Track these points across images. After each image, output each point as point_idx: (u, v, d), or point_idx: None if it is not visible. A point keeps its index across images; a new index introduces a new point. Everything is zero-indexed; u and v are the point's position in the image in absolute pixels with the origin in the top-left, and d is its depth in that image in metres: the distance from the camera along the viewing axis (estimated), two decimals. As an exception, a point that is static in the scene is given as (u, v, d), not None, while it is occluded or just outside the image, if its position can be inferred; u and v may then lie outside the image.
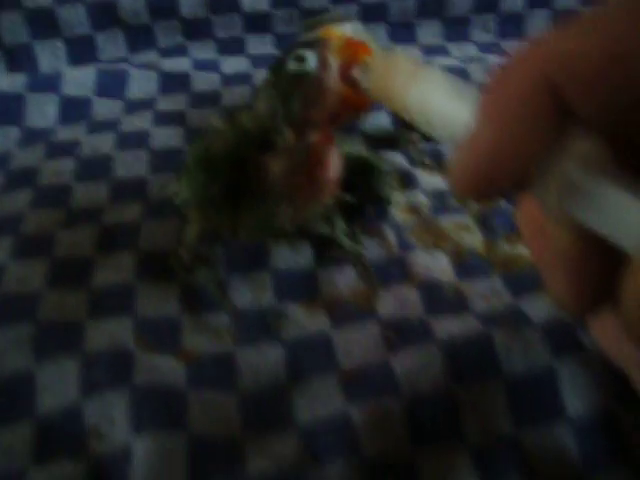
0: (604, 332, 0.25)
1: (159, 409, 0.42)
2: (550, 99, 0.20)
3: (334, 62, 0.40)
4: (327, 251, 0.52)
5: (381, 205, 0.55)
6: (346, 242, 0.51)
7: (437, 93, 0.26)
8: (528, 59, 0.21)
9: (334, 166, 0.46)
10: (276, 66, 0.43)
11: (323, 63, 0.40)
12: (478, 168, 0.21)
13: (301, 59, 0.40)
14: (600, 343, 0.25)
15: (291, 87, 0.41)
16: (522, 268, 0.51)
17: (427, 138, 0.63)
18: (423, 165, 0.61)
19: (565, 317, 0.46)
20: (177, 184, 0.50)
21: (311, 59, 0.40)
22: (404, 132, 0.64)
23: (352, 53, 0.40)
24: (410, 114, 0.27)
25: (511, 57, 0.21)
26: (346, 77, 0.40)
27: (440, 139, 0.26)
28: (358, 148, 0.51)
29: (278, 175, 0.44)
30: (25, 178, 0.63)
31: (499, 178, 0.21)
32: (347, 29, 0.48)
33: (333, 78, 0.40)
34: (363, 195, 0.52)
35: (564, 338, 0.44)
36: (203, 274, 0.50)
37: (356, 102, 0.41)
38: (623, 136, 0.21)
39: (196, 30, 0.81)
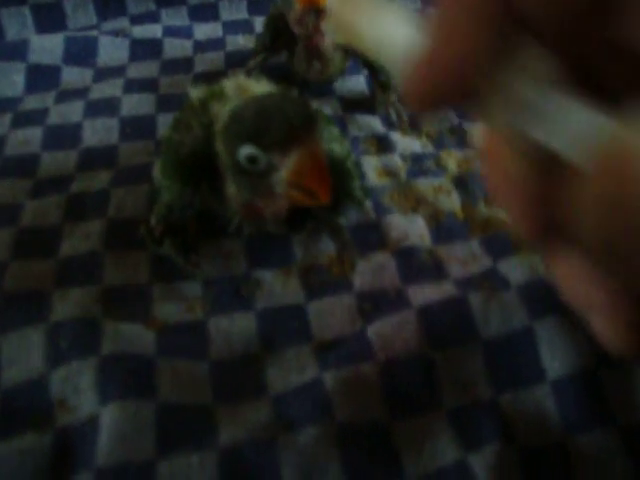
0: (563, 272, 0.24)
1: (127, 378, 0.41)
2: (498, 2, 0.19)
3: None
4: (302, 220, 0.51)
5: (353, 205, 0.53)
6: (323, 213, 0.50)
7: (388, 19, 0.24)
8: None
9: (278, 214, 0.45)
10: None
11: None
12: (426, 74, 0.20)
13: (253, 160, 0.37)
14: (560, 285, 0.24)
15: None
16: (500, 230, 0.50)
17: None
18: (400, 127, 0.60)
19: (544, 279, 0.45)
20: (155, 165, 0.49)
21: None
22: (380, 94, 0.62)
23: (305, 179, 0.37)
24: (363, 43, 0.26)
25: None
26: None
27: (391, 65, 0.25)
28: (337, 146, 0.49)
29: (230, 194, 0.43)
30: (-9, 148, 0.61)
31: (446, 84, 0.20)
32: None
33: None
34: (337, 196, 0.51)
35: (542, 300, 0.43)
36: (170, 243, 0.49)
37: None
38: (572, 48, 0.21)
39: (168, -4, 0.79)
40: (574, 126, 0.18)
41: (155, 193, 0.48)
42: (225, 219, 0.47)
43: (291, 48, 0.61)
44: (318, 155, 0.37)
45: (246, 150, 0.37)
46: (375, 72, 0.63)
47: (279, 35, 0.62)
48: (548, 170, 0.20)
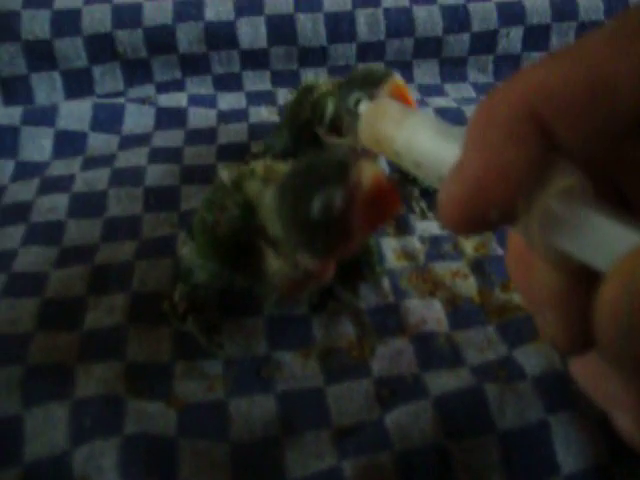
0: (585, 371, 0.24)
1: (149, 459, 0.41)
2: (534, 128, 0.20)
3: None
4: (323, 301, 0.52)
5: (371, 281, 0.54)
6: (344, 295, 0.51)
7: (424, 135, 0.25)
8: (513, 90, 0.21)
9: (326, 278, 0.45)
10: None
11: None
12: (465, 197, 0.21)
13: (329, 207, 0.37)
14: (581, 383, 0.25)
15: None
16: (517, 317, 0.51)
17: (425, 192, 0.63)
18: (420, 212, 0.61)
19: (559, 370, 0.45)
20: (183, 246, 0.50)
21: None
22: (404, 186, 0.63)
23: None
24: (399, 159, 0.27)
25: (497, 88, 0.21)
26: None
27: (430, 182, 0.26)
28: None
29: (274, 271, 0.44)
30: (18, 213, 0.62)
31: (485, 207, 0.21)
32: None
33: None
34: (356, 268, 0.52)
35: (558, 392, 0.44)
36: (194, 321, 0.50)
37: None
38: (607, 167, 0.22)
39: (194, 65, 0.81)
40: (602, 238, 0.19)
41: (185, 272, 0.49)
42: (252, 297, 0.48)
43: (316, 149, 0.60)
44: (380, 175, 0.38)
45: (318, 201, 0.37)
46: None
47: (303, 140, 0.61)
48: (587, 285, 0.20)
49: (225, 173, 0.47)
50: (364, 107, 0.37)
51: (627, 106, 0.19)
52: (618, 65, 0.19)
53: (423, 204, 0.62)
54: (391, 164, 0.66)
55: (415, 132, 0.26)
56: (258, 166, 0.47)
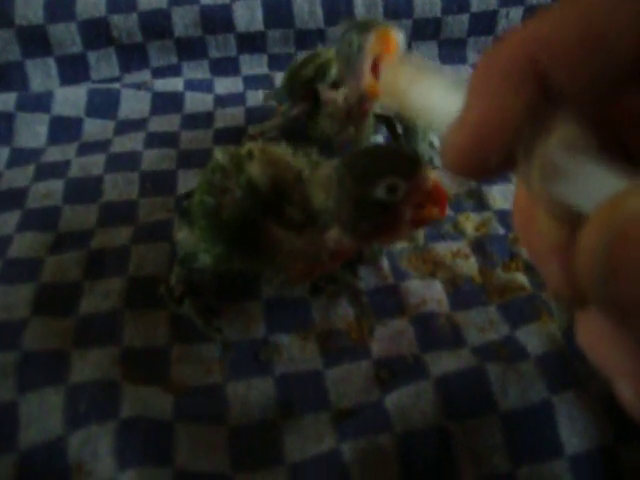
0: (590, 337, 0.24)
1: (145, 444, 0.41)
2: (531, 74, 0.20)
3: None
4: (322, 283, 0.51)
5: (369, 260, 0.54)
6: (344, 276, 0.50)
7: (436, 87, 0.25)
8: (512, 39, 0.21)
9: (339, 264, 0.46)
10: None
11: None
12: (465, 143, 0.21)
13: (393, 190, 0.40)
14: (587, 350, 0.24)
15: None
16: (518, 296, 0.50)
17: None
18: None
19: (562, 349, 0.45)
20: (180, 231, 0.49)
21: None
22: None
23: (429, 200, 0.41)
24: (412, 109, 0.27)
25: (499, 41, 0.21)
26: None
27: (438, 130, 0.26)
28: None
29: (286, 252, 0.44)
30: (14, 199, 0.62)
31: (485, 153, 0.21)
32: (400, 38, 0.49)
33: None
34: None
35: (561, 372, 0.43)
36: (190, 305, 0.49)
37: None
38: (609, 119, 0.22)
39: (190, 50, 0.80)
40: (600, 188, 0.19)
41: (186, 257, 0.48)
42: (250, 279, 0.48)
43: (313, 111, 0.61)
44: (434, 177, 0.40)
45: (388, 181, 0.39)
46: (396, 136, 0.63)
47: (301, 98, 0.62)
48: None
49: (221, 155, 0.46)
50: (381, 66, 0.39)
51: (624, 53, 0.19)
52: (615, 12, 0.19)
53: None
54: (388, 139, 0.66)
55: (428, 84, 0.26)
56: (254, 148, 0.46)
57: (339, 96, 0.55)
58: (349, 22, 0.53)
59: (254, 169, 0.44)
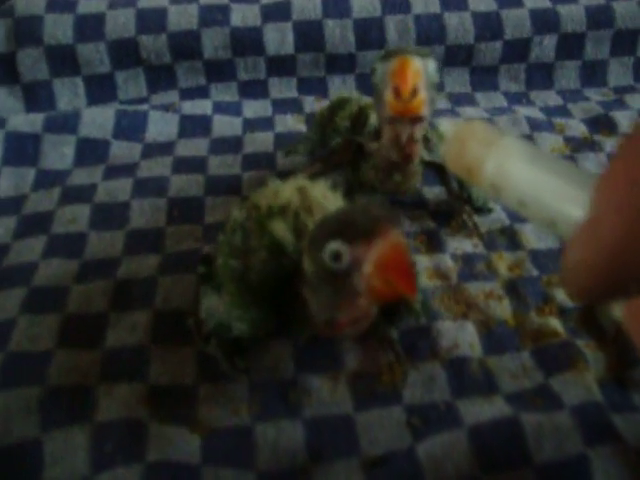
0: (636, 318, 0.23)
1: (172, 488, 0.40)
2: None
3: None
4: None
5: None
6: (379, 323, 0.49)
7: (520, 164, 0.24)
8: None
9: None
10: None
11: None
12: (600, 266, 0.18)
13: (338, 257, 0.36)
14: (632, 332, 0.23)
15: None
16: (552, 342, 0.49)
17: (478, 210, 0.61)
18: (473, 226, 0.59)
19: (599, 400, 0.44)
20: (205, 297, 0.46)
21: None
22: (458, 204, 0.61)
23: (389, 273, 0.36)
24: (490, 188, 0.25)
25: (634, 137, 0.19)
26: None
27: (535, 222, 0.24)
28: None
29: (314, 314, 0.42)
30: (39, 224, 0.61)
31: (625, 279, 0.18)
32: (428, 65, 0.49)
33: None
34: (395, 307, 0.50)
35: (598, 424, 0.42)
36: (217, 344, 0.48)
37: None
38: None
39: (218, 71, 0.80)
40: None
41: (220, 327, 0.45)
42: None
43: (356, 163, 0.58)
44: (402, 247, 0.36)
45: (331, 247, 0.36)
46: (447, 182, 0.60)
47: (342, 150, 0.59)
48: None
49: (237, 211, 0.45)
50: (446, 126, 0.36)
51: None
52: None
53: (476, 219, 0.59)
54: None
55: (507, 160, 0.24)
56: (289, 191, 0.45)
57: (382, 145, 0.53)
58: (384, 51, 0.52)
59: (277, 226, 0.43)
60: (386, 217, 0.37)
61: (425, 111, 0.49)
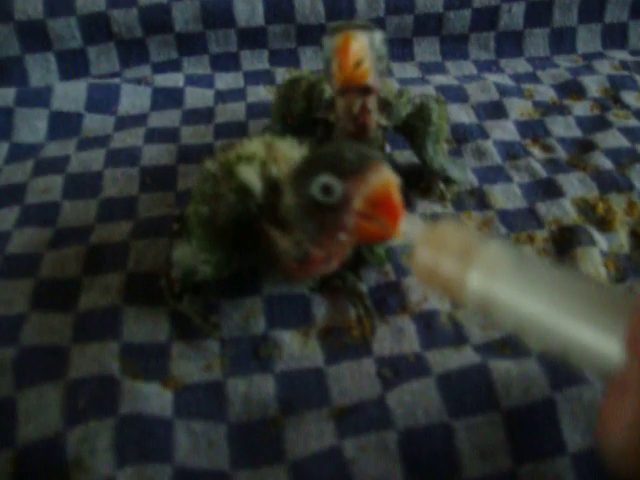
0: None
1: (144, 440, 0.40)
2: None
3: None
4: (324, 282, 0.50)
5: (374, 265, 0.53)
6: (346, 278, 0.50)
7: (507, 283, 0.21)
8: None
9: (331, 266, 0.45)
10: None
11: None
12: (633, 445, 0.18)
13: (328, 190, 0.37)
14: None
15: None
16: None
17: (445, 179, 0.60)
18: (440, 194, 0.60)
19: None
20: (175, 250, 0.48)
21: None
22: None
23: (378, 208, 0.37)
24: (477, 309, 0.23)
25: None
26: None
27: (530, 342, 0.22)
28: None
29: (280, 251, 0.43)
30: (12, 195, 0.61)
31: None
32: (375, 38, 0.50)
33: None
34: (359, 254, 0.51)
35: (563, 369, 0.43)
36: (189, 301, 0.49)
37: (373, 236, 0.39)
38: None
39: (190, 45, 0.80)
40: None
41: (186, 274, 0.47)
42: (250, 275, 0.47)
43: (325, 133, 0.58)
44: (394, 185, 0.36)
45: (322, 179, 0.37)
46: (424, 157, 0.60)
47: (299, 130, 0.59)
48: None
49: (211, 163, 0.46)
50: (411, 228, 0.34)
51: None
52: None
53: (443, 187, 0.60)
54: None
55: (498, 280, 0.22)
56: (256, 144, 0.46)
57: (338, 117, 0.54)
58: (330, 26, 0.53)
59: (245, 172, 0.43)
60: (375, 155, 0.37)
61: (373, 81, 0.51)
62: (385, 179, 0.36)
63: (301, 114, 0.60)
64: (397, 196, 0.36)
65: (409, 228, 0.32)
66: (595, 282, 0.20)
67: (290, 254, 0.42)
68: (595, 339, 0.19)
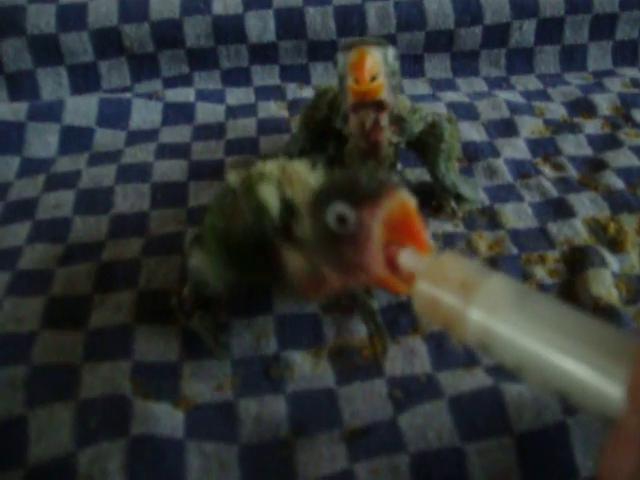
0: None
1: (155, 461, 0.40)
2: None
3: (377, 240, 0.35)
4: (336, 300, 0.50)
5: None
6: (358, 295, 0.50)
7: (510, 321, 0.21)
8: None
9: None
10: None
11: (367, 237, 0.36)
12: None
13: (342, 219, 0.36)
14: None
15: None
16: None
17: (456, 197, 0.60)
18: (451, 212, 0.60)
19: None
20: (193, 257, 0.48)
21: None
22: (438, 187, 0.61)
23: (399, 233, 0.35)
24: (478, 346, 0.23)
25: None
26: (388, 260, 0.35)
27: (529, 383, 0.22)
28: None
29: (293, 271, 0.42)
30: (24, 210, 0.62)
31: None
32: (388, 54, 0.51)
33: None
34: None
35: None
36: (200, 319, 0.49)
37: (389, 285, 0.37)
38: None
39: (201, 60, 0.80)
40: None
41: (198, 284, 0.48)
42: (262, 294, 0.47)
43: (339, 148, 0.58)
44: (411, 206, 0.35)
45: (335, 208, 0.35)
46: (435, 174, 0.60)
47: (322, 139, 0.60)
48: None
49: (233, 176, 0.46)
50: (411, 260, 0.33)
51: None
52: None
53: (455, 205, 0.60)
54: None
55: (493, 313, 0.21)
56: (271, 166, 0.46)
57: (351, 134, 0.54)
58: (344, 43, 0.54)
59: (264, 191, 0.43)
60: (390, 179, 0.36)
61: (386, 96, 0.51)
62: (401, 203, 0.35)
63: (322, 121, 0.59)
64: (416, 216, 0.35)
65: (409, 260, 0.31)
66: (599, 321, 0.20)
67: (305, 276, 0.42)
68: (596, 382, 0.20)
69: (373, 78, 0.49)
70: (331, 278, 0.41)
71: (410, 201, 0.36)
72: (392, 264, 0.35)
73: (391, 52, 0.51)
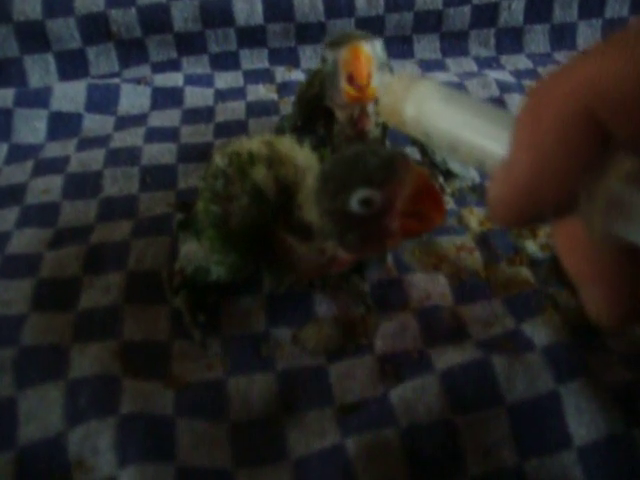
0: (565, 240, 0.25)
1: (146, 439, 0.40)
2: (589, 128, 0.19)
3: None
4: (327, 278, 0.50)
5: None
6: (350, 278, 0.50)
7: (438, 105, 0.25)
8: (561, 86, 0.20)
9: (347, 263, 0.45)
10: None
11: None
12: (518, 198, 0.21)
13: (368, 203, 0.37)
14: (559, 250, 0.25)
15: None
16: (523, 290, 0.50)
17: (445, 173, 0.61)
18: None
19: (568, 340, 0.44)
20: (184, 244, 0.48)
21: None
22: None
23: (421, 203, 0.38)
24: (410, 129, 0.27)
25: (543, 82, 0.21)
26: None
27: (441, 151, 0.26)
28: None
29: (297, 258, 0.43)
30: (12, 196, 0.61)
31: (539, 208, 0.21)
32: (376, 47, 0.51)
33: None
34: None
35: (568, 362, 0.42)
36: (184, 297, 0.49)
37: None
38: None
39: (189, 44, 0.80)
40: None
41: (198, 272, 0.47)
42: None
43: (328, 127, 0.59)
44: (426, 176, 0.38)
45: (360, 194, 0.37)
46: (425, 151, 0.60)
47: (313, 116, 0.60)
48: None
49: (220, 158, 0.45)
50: (383, 79, 0.37)
51: None
52: None
53: (442, 180, 0.60)
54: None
55: (423, 101, 0.26)
56: (257, 144, 0.45)
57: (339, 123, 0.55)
58: (328, 39, 0.54)
59: (258, 173, 0.43)
60: (398, 154, 0.38)
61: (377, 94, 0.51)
62: (418, 174, 0.37)
63: (313, 98, 0.59)
64: (434, 185, 0.38)
65: (380, 82, 0.37)
66: (503, 110, 0.24)
67: (311, 260, 0.42)
68: (499, 150, 0.23)
69: (368, 76, 0.50)
70: (341, 258, 0.41)
71: (422, 169, 0.38)
72: (405, 228, 0.39)
73: (378, 44, 0.51)
